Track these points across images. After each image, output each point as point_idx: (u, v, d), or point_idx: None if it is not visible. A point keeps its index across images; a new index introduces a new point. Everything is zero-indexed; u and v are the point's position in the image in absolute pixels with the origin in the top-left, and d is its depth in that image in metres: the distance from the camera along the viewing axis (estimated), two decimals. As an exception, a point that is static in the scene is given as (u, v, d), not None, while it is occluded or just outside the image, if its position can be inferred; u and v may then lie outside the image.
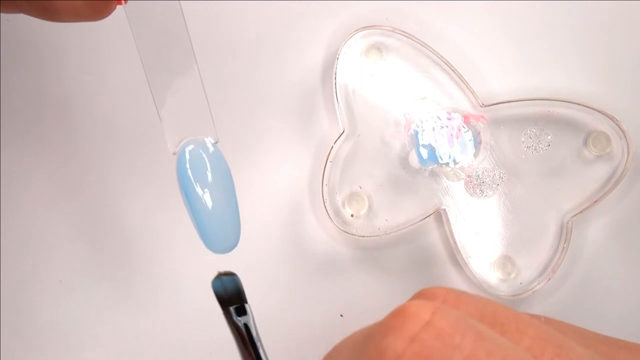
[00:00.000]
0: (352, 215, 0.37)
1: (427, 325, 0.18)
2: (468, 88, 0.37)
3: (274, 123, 0.39)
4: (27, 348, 0.37)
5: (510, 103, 0.37)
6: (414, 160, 0.37)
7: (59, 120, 0.38)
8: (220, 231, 0.27)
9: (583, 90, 0.38)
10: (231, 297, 0.26)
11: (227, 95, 0.38)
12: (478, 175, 0.37)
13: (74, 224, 0.38)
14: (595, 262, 0.38)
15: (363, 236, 0.37)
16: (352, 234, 0.36)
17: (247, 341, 0.25)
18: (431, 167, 0.37)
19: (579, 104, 0.37)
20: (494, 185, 0.37)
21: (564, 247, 0.36)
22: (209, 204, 0.26)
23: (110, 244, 0.38)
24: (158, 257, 0.38)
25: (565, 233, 0.36)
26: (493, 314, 0.19)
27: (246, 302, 0.26)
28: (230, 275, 0.27)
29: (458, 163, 0.37)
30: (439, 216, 0.37)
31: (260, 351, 0.25)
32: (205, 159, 0.27)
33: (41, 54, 0.39)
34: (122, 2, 0.28)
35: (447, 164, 0.37)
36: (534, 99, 0.37)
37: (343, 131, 0.37)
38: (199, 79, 0.27)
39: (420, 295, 0.20)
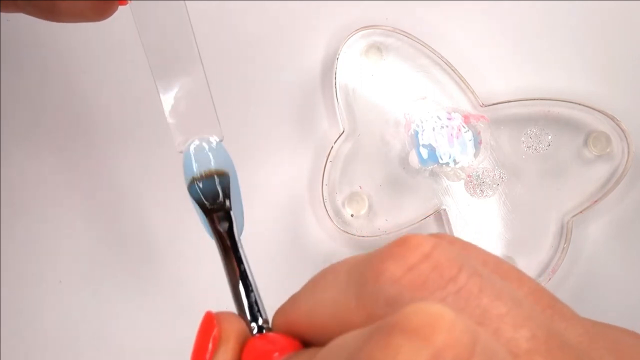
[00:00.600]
0: (352, 215, 0.37)
1: (427, 256, 0.18)
2: (468, 88, 0.37)
3: (274, 123, 0.39)
4: (27, 348, 0.37)
5: (510, 103, 0.37)
6: (414, 160, 0.37)
7: (59, 120, 0.38)
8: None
9: (583, 90, 0.38)
10: (212, 202, 0.26)
11: (227, 95, 0.38)
12: (478, 175, 0.37)
13: (74, 224, 0.38)
14: (595, 262, 0.38)
15: (363, 236, 0.37)
16: (352, 234, 0.36)
17: (229, 249, 0.25)
18: (431, 167, 0.37)
19: (579, 104, 0.37)
20: (494, 185, 0.37)
21: (564, 247, 0.36)
22: None
23: (111, 244, 0.38)
24: (159, 257, 0.38)
25: (565, 233, 0.36)
26: (496, 263, 0.20)
27: (229, 207, 0.26)
28: (211, 176, 0.26)
29: (458, 163, 0.37)
30: (439, 216, 0.37)
31: (243, 259, 0.25)
32: (211, 156, 0.27)
33: (43, 53, 0.39)
34: (125, 2, 0.28)
35: (447, 164, 0.37)
36: (534, 99, 0.37)
37: (343, 131, 0.37)
38: (204, 77, 0.28)
39: (434, 235, 0.20)
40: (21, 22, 0.38)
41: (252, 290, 0.24)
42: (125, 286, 0.38)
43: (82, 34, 0.39)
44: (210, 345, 0.22)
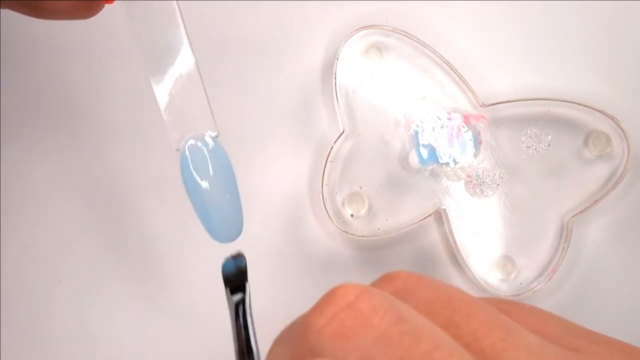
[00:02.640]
0: (352, 215, 0.37)
1: (349, 305, 0.19)
2: (468, 88, 0.37)
3: (274, 123, 0.38)
4: (27, 348, 0.37)
5: (510, 103, 0.37)
6: (414, 160, 0.37)
7: (58, 119, 0.38)
8: (224, 221, 0.27)
9: (583, 90, 0.38)
10: (236, 278, 0.28)
11: (227, 96, 0.38)
12: (478, 175, 0.37)
13: (74, 224, 0.38)
14: (595, 262, 0.38)
15: (363, 236, 0.37)
16: (352, 234, 0.36)
17: (240, 322, 0.27)
18: (431, 167, 0.37)
19: (579, 104, 0.37)
20: (494, 185, 0.37)
21: (564, 247, 0.36)
22: (212, 195, 0.27)
23: (111, 244, 0.38)
24: (160, 257, 0.38)
25: (565, 233, 0.36)
26: (448, 298, 0.20)
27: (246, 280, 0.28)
28: (238, 257, 0.28)
29: (458, 163, 0.37)
30: (439, 216, 0.37)
31: (250, 327, 0.27)
32: (206, 152, 0.27)
33: (41, 53, 0.39)
34: (112, 1, 0.28)
35: (447, 163, 0.37)
36: (534, 99, 0.37)
37: (343, 131, 0.37)
38: (197, 73, 0.28)
39: (383, 278, 0.21)
40: (20, 21, 0.38)
41: (252, 355, 0.26)
42: (126, 286, 0.38)
43: (82, 34, 0.39)
44: None
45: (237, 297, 0.27)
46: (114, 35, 0.38)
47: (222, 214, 0.27)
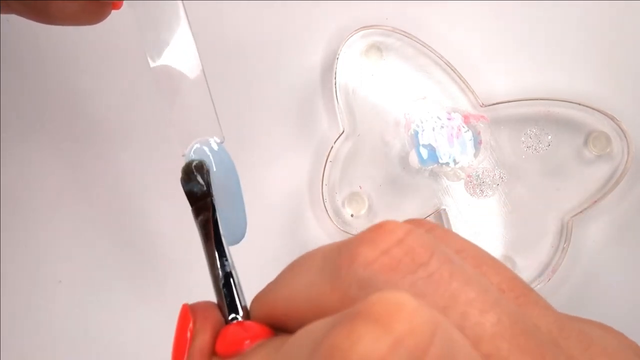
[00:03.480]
0: (352, 215, 0.37)
1: (400, 241, 0.19)
2: (468, 88, 0.37)
3: (274, 123, 0.39)
4: (27, 348, 0.37)
5: (510, 103, 0.37)
6: (414, 160, 0.37)
7: (59, 120, 0.38)
8: (227, 225, 0.27)
9: (583, 90, 0.38)
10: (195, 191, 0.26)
11: (227, 96, 0.38)
12: (478, 175, 0.37)
13: (74, 224, 0.38)
14: (595, 262, 0.38)
15: (363, 236, 0.37)
16: (352, 234, 0.36)
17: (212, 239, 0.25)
18: (431, 167, 0.37)
19: (579, 104, 0.37)
20: (494, 185, 0.37)
21: (564, 247, 0.36)
22: (216, 199, 0.27)
23: (111, 244, 0.38)
24: (160, 257, 0.38)
25: (565, 233, 0.36)
26: (474, 251, 0.21)
27: (210, 195, 0.26)
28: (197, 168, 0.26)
29: (458, 163, 0.37)
30: (439, 216, 0.37)
31: (225, 249, 0.25)
32: (212, 158, 0.27)
33: (43, 53, 0.39)
34: (119, 6, 0.28)
35: (447, 163, 0.37)
36: (534, 99, 0.37)
37: (343, 131, 0.37)
38: (203, 79, 0.28)
39: (410, 221, 0.21)
40: (21, 22, 0.38)
41: (230, 282, 0.24)
42: (126, 286, 0.38)
43: (83, 34, 0.39)
44: (188, 337, 0.22)
45: (204, 215, 0.26)
46: (119, 38, 0.38)
47: (226, 218, 0.27)
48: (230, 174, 0.28)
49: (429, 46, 0.37)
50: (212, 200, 0.26)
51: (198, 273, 0.37)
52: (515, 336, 0.18)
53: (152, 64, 0.28)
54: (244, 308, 0.23)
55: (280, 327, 0.21)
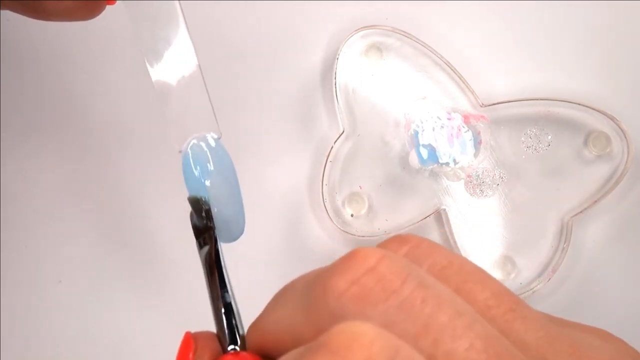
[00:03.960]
0: (352, 215, 0.37)
1: (371, 270, 0.19)
2: (468, 88, 0.37)
3: (274, 123, 0.39)
4: (27, 348, 0.37)
5: (510, 103, 0.37)
6: (414, 160, 0.37)
7: (59, 120, 0.38)
8: (226, 222, 0.27)
9: (583, 90, 0.38)
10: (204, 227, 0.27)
11: (227, 96, 0.38)
12: (478, 175, 0.37)
13: (74, 224, 0.38)
14: (595, 262, 0.38)
15: (363, 236, 0.37)
16: (352, 234, 0.36)
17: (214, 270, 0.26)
18: (431, 167, 0.37)
19: (579, 104, 0.37)
20: (494, 185, 0.37)
21: (564, 247, 0.36)
22: (213, 196, 0.27)
23: (111, 244, 0.38)
24: (160, 257, 0.38)
25: (565, 233, 0.36)
26: (461, 264, 0.20)
27: (212, 228, 0.27)
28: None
29: (458, 163, 0.37)
30: (439, 216, 0.37)
31: (226, 280, 0.25)
32: (209, 154, 0.27)
33: (42, 53, 0.39)
34: (113, 2, 0.28)
35: (447, 163, 0.37)
36: (534, 99, 0.37)
37: (343, 131, 0.37)
38: (200, 75, 0.28)
39: (394, 239, 0.21)
40: (19, 21, 0.38)
41: (231, 314, 0.25)
42: (126, 286, 0.38)
43: (80, 33, 0.39)
44: None
45: (206, 248, 0.26)
46: (115, 36, 0.38)
47: (224, 215, 0.27)
48: (228, 170, 0.28)
49: (429, 46, 0.37)
50: (214, 232, 0.26)
51: (198, 273, 0.37)
52: (492, 356, 0.18)
53: (148, 61, 0.28)
54: (242, 337, 0.24)
55: (272, 357, 0.21)
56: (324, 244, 0.38)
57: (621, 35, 0.39)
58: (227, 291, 0.25)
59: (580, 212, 0.37)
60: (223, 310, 0.25)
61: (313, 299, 0.19)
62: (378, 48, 0.38)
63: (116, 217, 0.38)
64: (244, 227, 0.28)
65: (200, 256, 0.26)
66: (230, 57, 0.39)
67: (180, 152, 0.28)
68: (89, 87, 0.39)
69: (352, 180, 0.37)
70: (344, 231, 0.36)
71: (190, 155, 0.27)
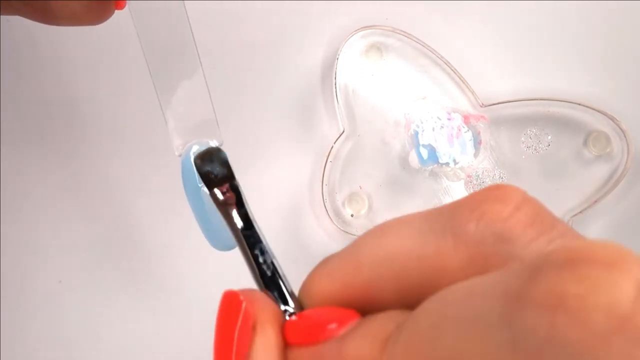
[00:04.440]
0: (352, 215, 0.37)
1: (528, 200, 0.18)
2: (468, 88, 0.37)
3: (274, 123, 0.39)
4: (27, 348, 0.37)
5: (510, 103, 0.37)
6: (414, 160, 0.37)
7: (60, 121, 0.38)
8: (223, 230, 0.27)
9: (583, 90, 0.38)
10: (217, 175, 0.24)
11: (227, 96, 0.38)
12: (478, 175, 0.37)
13: (74, 224, 0.38)
14: (595, 262, 0.38)
15: (363, 236, 0.37)
16: (352, 234, 0.36)
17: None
18: (431, 167, 0.37)
19: (579, 104, 0.37)
20: (494, 185, 0.37)
21: (564, 247, 0.36)
22: (212, 203, 0.27)
23: (111, 244, 0.38)
24: (159, 258, 0.38)
25: (565, 233, 0.36)
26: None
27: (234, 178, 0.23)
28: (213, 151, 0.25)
29: (458, 163, 0.37)
30: (439, 216, 0.37)
31: (261, 236, 0.22)
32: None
33: (43, 55, 0.39)
34: (122, 6, 0.28)
35: (447, 164, 0.37)
36: (534, 99, 0.37)
37: (343, 131, 0.37)
38: (203, 81, 0.28)
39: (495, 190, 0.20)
40: (20, 23, 0.38)
41: (277, 271, 0.21)
42: (126, 286, 0.38)
43: (82, 35, 0.39)
44: (237, 332, 0.18)
45: (231, 197, 0.23)
46: (115, 38, 0.38)
47: (222, 222, 0.27)
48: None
49: (429, 46, 0.37)
50: (236, 182, 0.23)
51: (198, 272, 0.37)
52: None
53: (150, 66, 0.27)
54: (294, 298, 0.20)
55: (356, 308, 0.18)
56: (324, 244, 0.38)
57: (621, 35, 0.39)
58: (265, 247, 0.21)
59: (580, 212, 0.37)
60: (265, 268, 0.20)
61: (463, 224, 0.18)
62: (378, 48, 0.38)
63: (117, 217, 0.38)
64: None
65: (221, 212, 0.23)
66: (229, 58, 0.39)
67: (179, 156, 0.28)
68: (90, 88, 0.39)
69: (352, 180, 0.37)
70: (344, 231, 0.36)
71: (190, 160, 0.27)
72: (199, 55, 0.28)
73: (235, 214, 0.23)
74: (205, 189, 0.24)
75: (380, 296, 0.18)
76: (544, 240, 0.17)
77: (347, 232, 0.36)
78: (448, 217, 0.18)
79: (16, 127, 0.38)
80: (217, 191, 0.23)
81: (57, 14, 0.27)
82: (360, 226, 0.37)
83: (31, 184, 0.38)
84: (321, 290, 0.19)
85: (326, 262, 0.19)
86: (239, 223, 0.22)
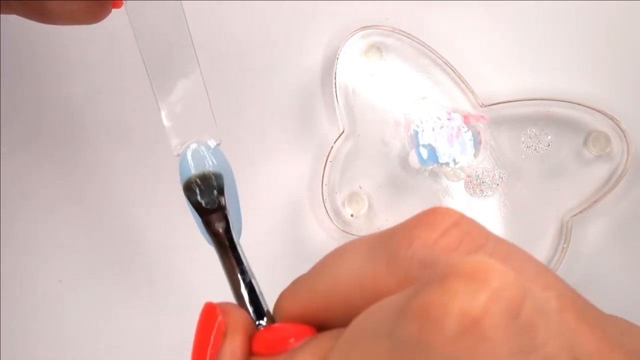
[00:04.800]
0: (352, 215, 0.37)
1: (457, 224, 0.19)
2: (468, 88, 0.37)
3: (274, 123, 0.39)
4: (27, 348, 0.37)
5: (510, 103, 0.37)
6: (413, 160, 0.37)
7: (59, 121, 0.38)
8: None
9: (583, 90, 0.38)
10: (207, 202, 0.26)
11: (226, 96, 0.38)
12: (478, 175, 0.37)
13: (74, 224, 0.38)
14: (595, 262, 0.38)
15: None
16: (352, 234, 0.36)
17: (227, 249, 0.25)
18: (431, 167, 0.37)
19: (579, 104, 0.37)
20: (493, 185, 0.37)
21: (563, 247, 0.36)
22: None
23: (111, 244, 0.38)
24: (159, 258, 0.38)
25: (565, 233, 0.36)
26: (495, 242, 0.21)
27: (224, 207, 0.26)
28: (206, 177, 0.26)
29: (458, 163, 0.37)
30: (439, 216, 0.37)
31: (242, 258, 0.24)
32: (207, 160, 0.27)
33: (41, 55, 0.39)
34: (119, 5, 0.28)
35: (447, 164, 0.37)
36: (534, 99, 0.37)
37: (343, 131, 0.37)
38: (201, 80, 0.28)
39: (434, 212, 0.21)
40: (18, 22, 0.38)
41: (254, 289, 0.23)
42: (125, 286, 0.38)
43: (79, 35, 0.39)
44: (212, 338, 0.21)
45: (219, 226, 0.25)
46: (112, 38, 0.38)
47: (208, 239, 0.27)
48: (227, 176, 0.27)
49: (429, 46, 0.37)
50: (225, 209, 0.25)
51: (197, 272, 0.37)
52: (579, 310, 0.19)
53: (147, 65, 0.27)
54: (268, 313, 0.23)
55: (319, 321, 0.21)
56: (324, 244, 0.38)
57: (621, 35, 0.39)
58: (245, 267, 0.24)
59: (580, 212, 0.37)
60: (243, 287, 0.23)
61: (395, 250, 0.19)
62: (378, 48, 0.38)
63: (117, 217, 0.38)
64: (240, 234, 0.28)
65: (211, 236, 0.25)
66: (229, 58, 0.39)
67: (177, 155, 0.28)
68: (90, 88, 0.39)
69: (352, 180, 0.37)
70: (344, 231, 0.36)
71: (189, 161, 0.27)
72: (196, 54, 0.28)
73: (222, 239, 0.25)
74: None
75: (333, 315, 0.20)
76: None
77: (347, 232, 0.36)
78: (384, 243, 0.20)
79: (16, 128, 0.38)
80: (208, 219, 0.25)
81: (54, 13, 0.27)
82: (360, 226, 0.37)
83: (31, 184, 0.38)
84: (287, 308, 0.22)
85: (294, 283, 0.22)
86: (225, 246, 0.25)
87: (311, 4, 0.39)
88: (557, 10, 0.39)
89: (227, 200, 0.27)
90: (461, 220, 0.19)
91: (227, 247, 0.25)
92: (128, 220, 0.38)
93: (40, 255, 0.38)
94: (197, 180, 0.26)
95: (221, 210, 0.25)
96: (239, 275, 0.24)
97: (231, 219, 0.26)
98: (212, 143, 0.27)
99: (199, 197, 0.26)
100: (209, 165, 0.27)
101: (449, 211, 0.20)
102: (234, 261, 0.24)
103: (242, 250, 0.25)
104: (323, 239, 0.38)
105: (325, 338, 0.20)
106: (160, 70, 0.27)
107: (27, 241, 0.38)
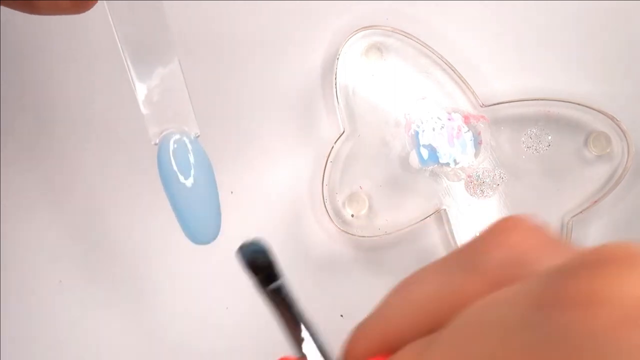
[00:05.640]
0: (352, 216, 0.37)
1: (533, 226, 0.20)
2: (468, 88, 0.37)
3: (274, 123, 0.38)
4: (27, 348, 0.37)
5: (510, 103, 0.37)
6: (414, 160, 0.37)
7: (58, 121, 0.38)
8: (201, 222, 0.27)
9: (583, 90, 0.38)
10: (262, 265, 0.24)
11: (227, 96, 0.38)
12: (478, 176, 0.37)
13: (73, 225, 0.38)
14: (595, 262, 0.38)
15: (363, 236, 0.37)
16: (352, 234, 0.36)
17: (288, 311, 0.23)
18: (431, 167, 0.37)
19: (579, 104, 0.37)
20: (494, 186, 0.37)
21: (564, 247, 0.36)
22: (189, 194, 0.26)
23: (110, 244, 0.38)
24: (158, 258, 0.38)
25: (565, 233, 0.36)
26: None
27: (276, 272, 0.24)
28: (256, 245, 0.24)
29: (458, 163, 0.37)
30: (440, 216, 0.37)
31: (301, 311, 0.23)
32: (185, 149, 0.27)
33: (33, 54, 0.39)
34: None
35: (447, 164, 0.37)
36: (534, 99, 0.37)
37: (343, 131, 0.37)
38: (179, 69, 0.27)
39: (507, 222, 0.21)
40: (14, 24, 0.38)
41: (319, 341, 0.22)
42: (125, 286, 0.38)
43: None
44: None
45: (275, 283, 0.23)
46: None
47: (198, 212, 0.26)
48: (204, 166, 0.27)
49: (429, 46, 0.37)
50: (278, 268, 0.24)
51: (197, 272, 0.37)
52: None
53: (125, 54, 0.27)
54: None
55: (385, 351, 0.21)
56: (324, 244, 0.38)
57: (621, 35, 0.39)
58: (305, 322, 0.22)
59: (580, 212, 0.37)
60: (314, 344, 0.22)
61: (484, 255, 0.20)
62: (378, 48, 0.38)
63: (116, 218, 0.38)
64: (219, 230, 0.27)
65: (265, 294, 0.23)
66: (230, 58, 0.39)
67: (155, 144, 0.27)
68: (79, 90, 0.39)
69: (352, 180, 0.37)
70: (344, 231, 0.36)
71: (167, 148, 0.26)
72: (174, 44, 0.27)
73: (281, 296, 0.23)
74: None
75: (406, 337, 0.20)
76: (556, 258, 0.19)
77: (347, 232, 0.36)
78: (468, 253, 0.20)
79: (16, 129, 0.38)
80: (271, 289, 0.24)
81: (39, 3, 0.27)
82: (360, 226, 0.37)
83: (31, 185, 0.38)
84: (361, 352, 0.21)
85: (361, 327, 0.22)
86: (285, 305, 0.23)
87: (311, 4, 0.39)
88: (558, 11, 0.39)
89: (205, 194, 0.26)
90: (537, 224, 0.20)
91: (287, 304, 0.23)
92: (128, 221, 0.38)
93: (40, 255, 0.38)
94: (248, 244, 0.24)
95: (273, 268, 0.24)
96: (303, 331, 0.22)
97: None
98: (192, 134, 0.27)
99: (254, 262, 0.24)
100: (191, 156, 0.26)
101: (521, 216, 0.20)
102: (295, 317, 0.23)
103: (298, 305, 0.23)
104: (323, 239, 0.38)
105: (405, 351, 0.19)
106: (137, 59, 0.27)
107: (27, 241, 0.38)
